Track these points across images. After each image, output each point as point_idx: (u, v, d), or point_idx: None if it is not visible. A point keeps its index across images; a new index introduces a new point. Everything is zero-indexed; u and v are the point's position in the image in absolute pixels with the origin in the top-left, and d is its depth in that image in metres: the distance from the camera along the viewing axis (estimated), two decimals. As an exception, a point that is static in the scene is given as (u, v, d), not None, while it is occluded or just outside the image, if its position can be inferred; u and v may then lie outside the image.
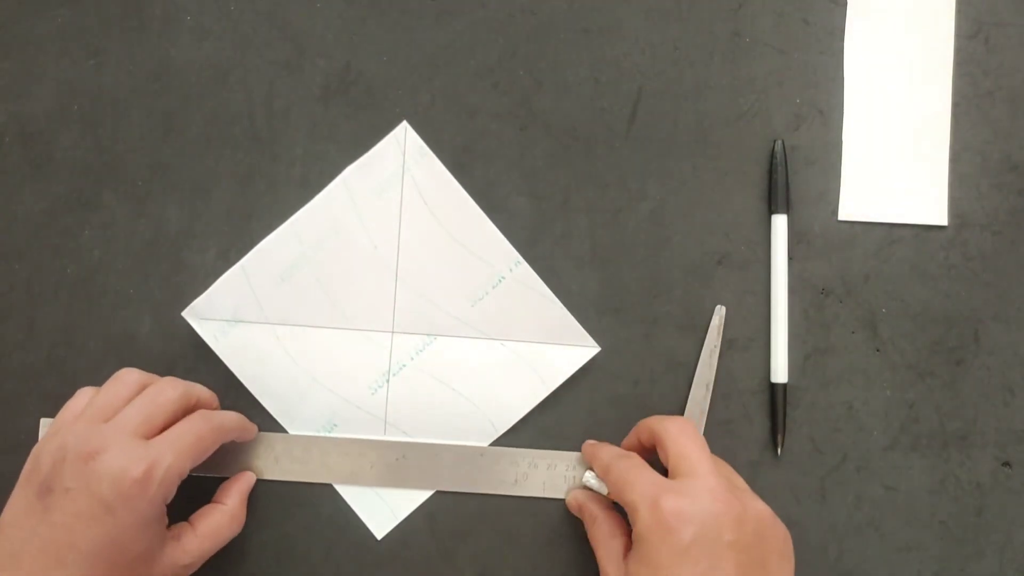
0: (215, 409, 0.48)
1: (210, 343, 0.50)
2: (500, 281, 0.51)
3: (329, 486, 0.50)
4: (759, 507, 0.42)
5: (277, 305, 0.51)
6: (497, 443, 0.50)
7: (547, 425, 0.51)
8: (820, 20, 0.53)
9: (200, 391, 0.47)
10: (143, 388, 0.45)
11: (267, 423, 0.51)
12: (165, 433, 0.43)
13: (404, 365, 0.50)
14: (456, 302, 0.51)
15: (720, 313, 0.51)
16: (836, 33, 0.53)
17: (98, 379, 0.50)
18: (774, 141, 0.52)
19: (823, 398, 0.51)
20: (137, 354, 0.51)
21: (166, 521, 0.44)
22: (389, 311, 0.51)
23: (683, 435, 0.44)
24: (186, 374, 0.51)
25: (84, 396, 0.46)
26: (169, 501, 0.43)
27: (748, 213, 0.52)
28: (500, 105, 0.52)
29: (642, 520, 0.41)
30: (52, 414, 0.50)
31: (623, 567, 0.43)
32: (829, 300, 0.51)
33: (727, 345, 0.51)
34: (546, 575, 0.50)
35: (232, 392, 0.51)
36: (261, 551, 0.50)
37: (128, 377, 0.45)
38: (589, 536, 0.47)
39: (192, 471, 0.44)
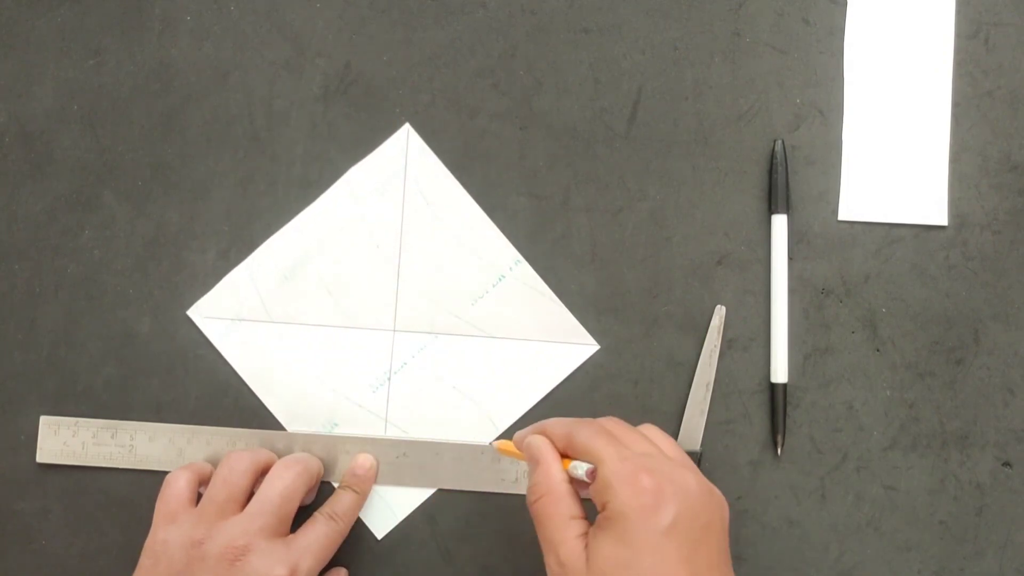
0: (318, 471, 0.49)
1: (214, 342, 0.50)
2: (500, 280, 0.51)
3: (329, 485, 0.50)
4: (720, 493, 0.41)
5: (280, 304, 0.51)
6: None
7: (547, 425, 0.51)
8: (820, 20, 0.53)
9: (314, 464, 0.48)
10: (256, 471, 0.47)
11: (269, 421, 0.51)
12: (302, 536, 0.45)
13: (405, 363, 0.51)
14: (457, 301, 0.51)
15: (720, 313, 0.51)
16: (836, 33, 0.53)
17: (98, 379, 0.51)
18: (774, 141, 0.52)
19: (823, 398, 0.51)
20: (137, 354, 0.51)
21: None
22: (391, 310, 0.51)
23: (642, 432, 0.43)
24: (185, 374, 0.51)
25: (182, 481, 0.46)
26: None
27: (748, 213, 0.52)
28: (500, 105, 0.52)
29: (619, 496, 0.38)
30: (52, 414, 0.50)
31: (580, 549, 0.39)
32: (829, 300, 0.51)
33: (727, 345, 0.51)
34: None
35: (234, 391, 0.51)
36: (261, 551, 0.50)
37: (240, 464, 0.46)
38: (538, 505, 0.41)
39: None
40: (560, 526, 0.40)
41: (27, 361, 0.51)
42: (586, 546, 0.39)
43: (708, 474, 0.50)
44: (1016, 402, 0.51)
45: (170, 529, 0.44)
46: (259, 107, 0.52)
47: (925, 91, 0.52)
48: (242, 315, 0.51)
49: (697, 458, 0.50)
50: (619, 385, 0.51)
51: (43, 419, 0.50)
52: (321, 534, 0.46)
